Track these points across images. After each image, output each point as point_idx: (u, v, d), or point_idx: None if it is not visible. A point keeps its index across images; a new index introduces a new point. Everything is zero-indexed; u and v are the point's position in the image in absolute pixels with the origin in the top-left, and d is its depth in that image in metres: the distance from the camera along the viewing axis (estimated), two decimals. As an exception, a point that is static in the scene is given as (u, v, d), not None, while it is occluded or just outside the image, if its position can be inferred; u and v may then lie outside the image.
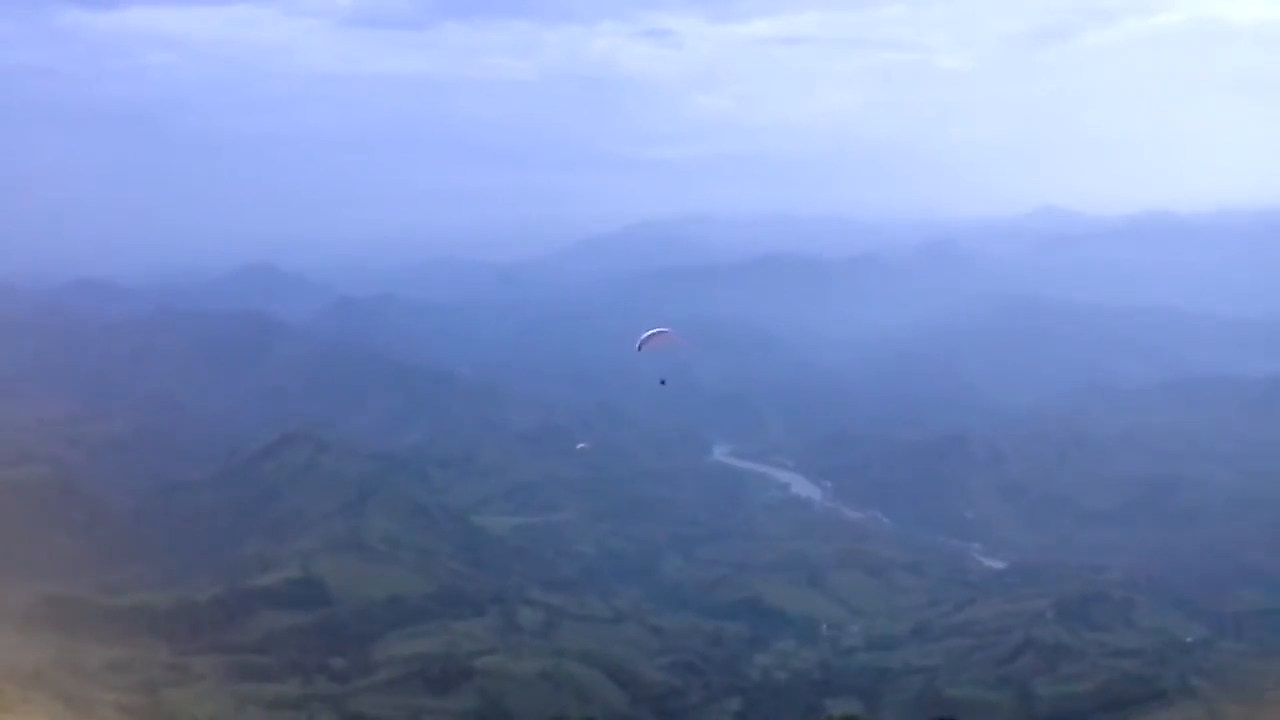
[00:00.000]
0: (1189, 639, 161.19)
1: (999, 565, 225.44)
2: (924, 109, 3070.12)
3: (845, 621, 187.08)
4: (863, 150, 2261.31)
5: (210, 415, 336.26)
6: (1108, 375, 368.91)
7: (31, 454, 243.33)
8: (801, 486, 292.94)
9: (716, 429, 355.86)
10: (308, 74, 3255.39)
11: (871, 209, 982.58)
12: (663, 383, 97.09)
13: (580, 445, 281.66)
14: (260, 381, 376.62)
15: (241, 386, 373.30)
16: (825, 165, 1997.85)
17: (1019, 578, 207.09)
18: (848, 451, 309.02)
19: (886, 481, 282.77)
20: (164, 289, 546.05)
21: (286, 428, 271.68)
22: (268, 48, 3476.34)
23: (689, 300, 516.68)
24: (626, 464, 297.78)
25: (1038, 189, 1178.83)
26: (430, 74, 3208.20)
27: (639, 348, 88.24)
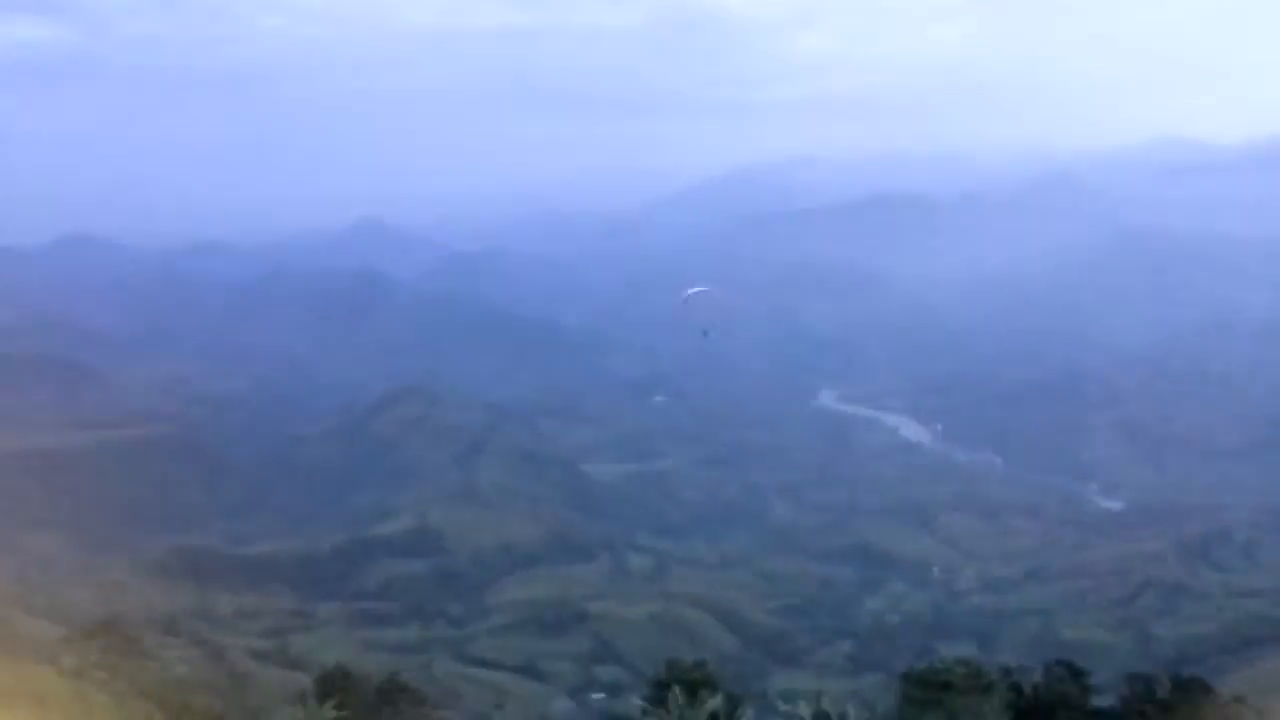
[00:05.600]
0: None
1: (1117, 506, 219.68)
2: (1037, 38, 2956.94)
3: (957, 565, 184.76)
4: (973, 84, 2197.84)
5: (326, 370, 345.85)
6: (1233, 309, 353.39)
7: (157, 412, 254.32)
8: (911, 430, 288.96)
9: (823, 374, 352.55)
10: (411, 30, 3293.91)
11: (983, 144, 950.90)
12: (706, 334, 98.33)
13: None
14: (373, 336, 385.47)
15: (355, 341, 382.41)
16: (934, 101, 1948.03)
17: (1138, 518, 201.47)
18: (959, 393, 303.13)
19: (999, 423, 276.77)
20: (278, 248, 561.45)
21: (400, 381, 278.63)
22: (373, 4, 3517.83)
23: (794, 244, 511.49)
24: (732, 410, 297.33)
25: (1157, 118, 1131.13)
26: (531, 25, 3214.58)
27: (683, 302, 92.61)
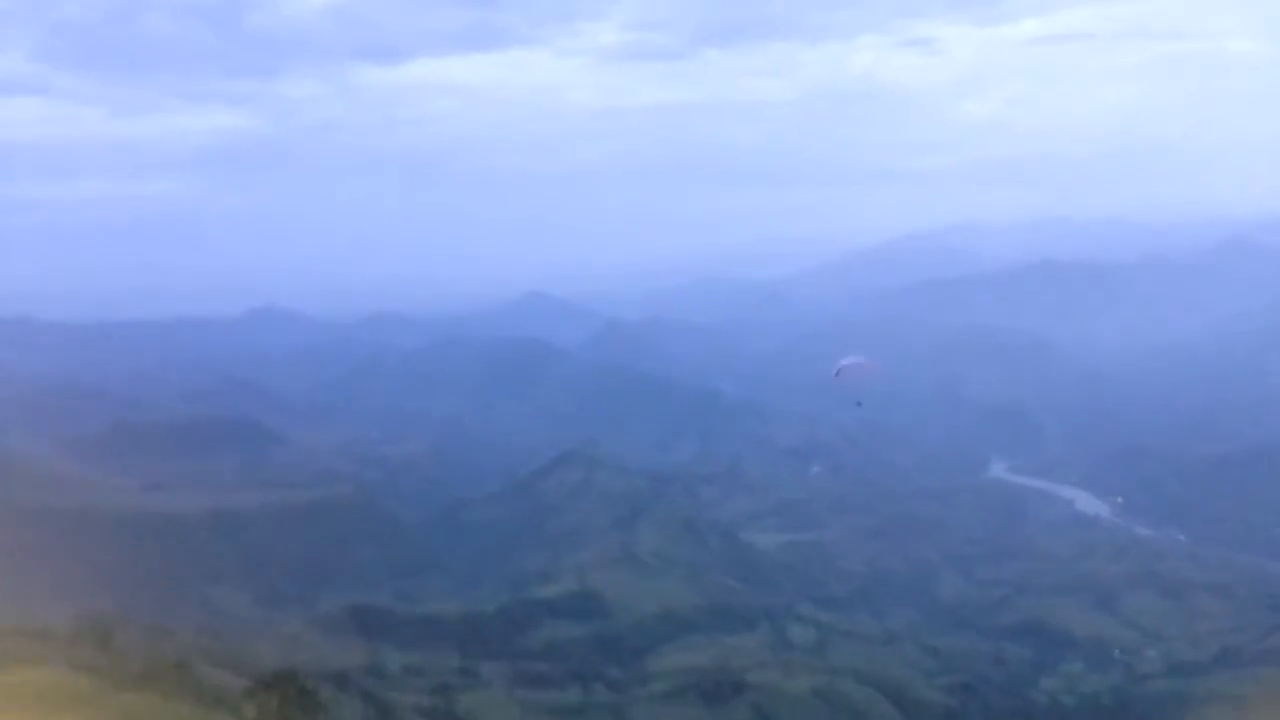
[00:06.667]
0: None
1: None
2: (1214, 99, 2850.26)
3: (1140, 646, 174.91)
4: (1146, 148, 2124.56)
5: (493, 435, 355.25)
6: None
7: (336, 474, 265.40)
8: (1087, 503, 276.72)
9: (993, 444, 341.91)
10: (576, 110, 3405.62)
11: (1158, 209, 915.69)
12: (859, 405, 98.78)
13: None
14: (538, 403, 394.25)
15: (521, 408, 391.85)
16: (1104, 165, 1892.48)
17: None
18: (1139, 466, 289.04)
19: (1183, 497, 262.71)
20: (450, 319, 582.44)
21: (563, 446, 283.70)
22: (539, 88, 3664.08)
23: (959, 310, 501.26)
24: (897, 480, 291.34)
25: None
26: (691, 101, 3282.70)
27: (836, 374, 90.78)
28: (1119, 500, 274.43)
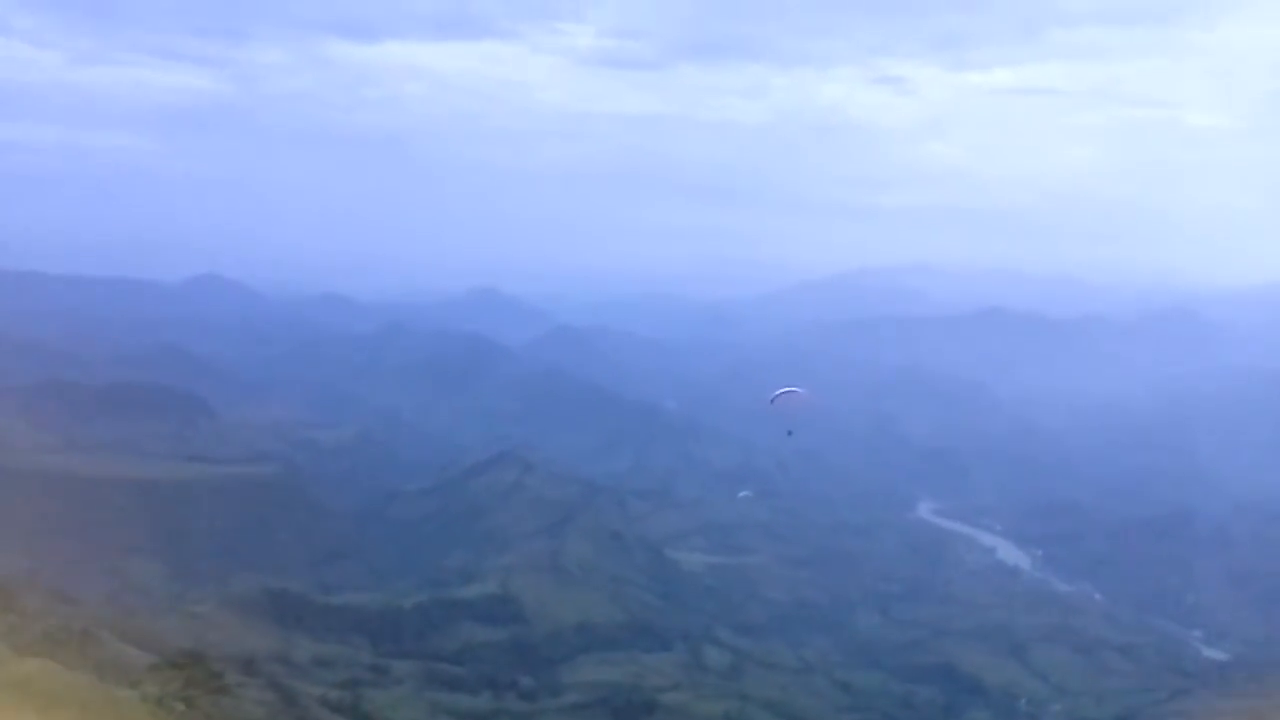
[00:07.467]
0: None
1: (1221, 656, 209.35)
2: (1170, 168, 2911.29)
3: (1046, 699, 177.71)
4: (1100, 207, 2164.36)
5: (430, 429, 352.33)
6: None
7: (265, 453, 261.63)
8: (1009, 553, 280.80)
9: (922, 484, 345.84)
10: (546, 110, 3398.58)
11: (1105, 269, 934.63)
12: (790, 434, 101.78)
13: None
14: (478, 400, 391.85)
15: (460, 403, 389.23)
16: (1058, 221, 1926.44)
17: (1243, 671, 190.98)
18: (1062, 520, 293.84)
19: (1103, 556, 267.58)
20: (397, 307, 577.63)
21: (498, 447, 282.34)
22: (511, 83, 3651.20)
23: (902, 350, 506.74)
24: (825, 513, 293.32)
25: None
26: (661, 114, 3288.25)
27: (772, 401, 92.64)
28: (1039, 553, 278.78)
